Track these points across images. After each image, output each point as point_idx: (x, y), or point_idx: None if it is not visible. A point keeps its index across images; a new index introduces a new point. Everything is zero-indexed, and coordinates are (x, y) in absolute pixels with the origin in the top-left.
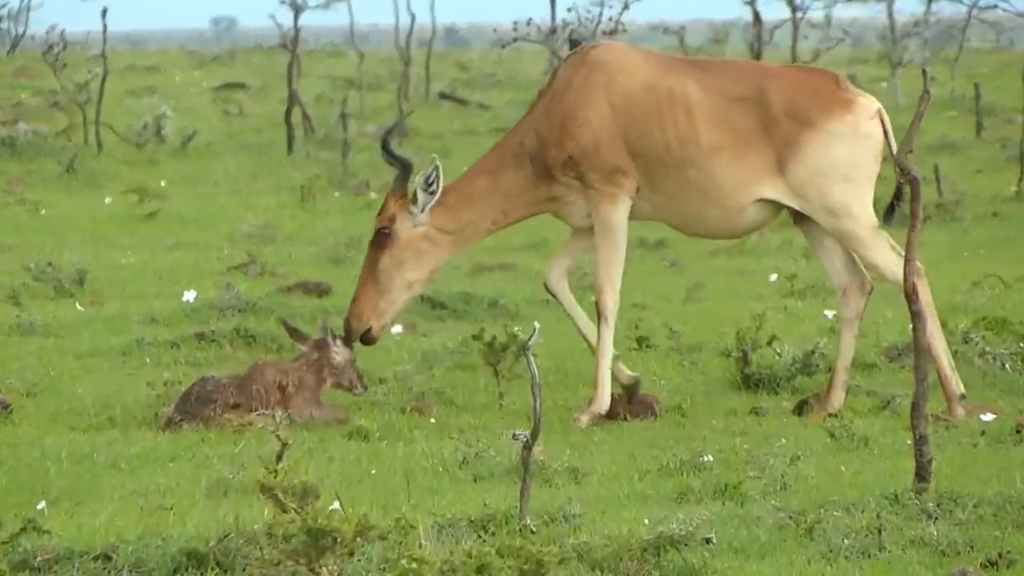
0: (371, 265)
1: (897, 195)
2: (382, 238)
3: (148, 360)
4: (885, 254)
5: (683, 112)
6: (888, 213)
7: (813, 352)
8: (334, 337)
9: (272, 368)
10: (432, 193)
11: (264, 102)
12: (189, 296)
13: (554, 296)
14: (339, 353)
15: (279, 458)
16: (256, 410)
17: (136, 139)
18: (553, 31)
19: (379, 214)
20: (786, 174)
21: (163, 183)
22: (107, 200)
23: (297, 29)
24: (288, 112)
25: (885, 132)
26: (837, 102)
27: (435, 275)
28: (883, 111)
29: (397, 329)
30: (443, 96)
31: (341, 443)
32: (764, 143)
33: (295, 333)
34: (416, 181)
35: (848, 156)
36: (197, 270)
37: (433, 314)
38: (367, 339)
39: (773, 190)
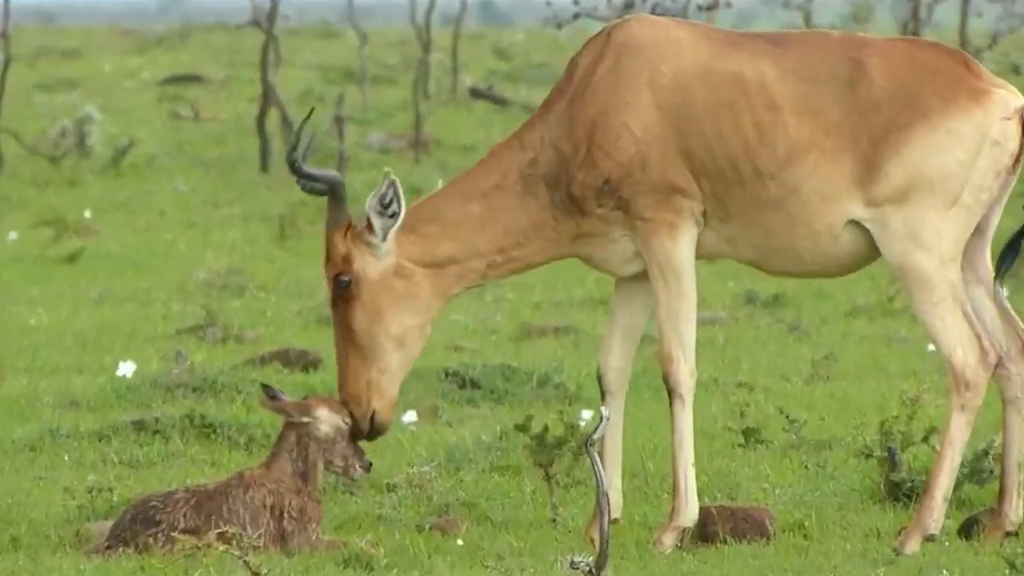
0: (344, 330)
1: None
2: (343, 290)
3: (67, 458)
4: (953, 317)
5: (762, 104)
6: (1005, 257)
7: (987, 452)
8: (287, 408)
9: (262, 482)
10: (392, 216)
11: (228, 101)
12: (125, 370)
13: (604, 393)
14: (324, 422)
15: None
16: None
17: (51, 151)
18: (630, 5)
19: (326, 260)
20: (874, 180)
21: (88, 213)
22: (11, 236)
23: (274, 2)
24: (262, 115)
25: None
26: (964, 91)
27: (430, 323)
28: None
29: (411, 416)
30: (476, 94)
31: (334, 573)
32: (859, 138)
33: (276, 402)
34: (367, 203)
35: (963, 164)
36: (135, 334)
37: (462, 395)
38: (376, 429)
39: (864, 207)
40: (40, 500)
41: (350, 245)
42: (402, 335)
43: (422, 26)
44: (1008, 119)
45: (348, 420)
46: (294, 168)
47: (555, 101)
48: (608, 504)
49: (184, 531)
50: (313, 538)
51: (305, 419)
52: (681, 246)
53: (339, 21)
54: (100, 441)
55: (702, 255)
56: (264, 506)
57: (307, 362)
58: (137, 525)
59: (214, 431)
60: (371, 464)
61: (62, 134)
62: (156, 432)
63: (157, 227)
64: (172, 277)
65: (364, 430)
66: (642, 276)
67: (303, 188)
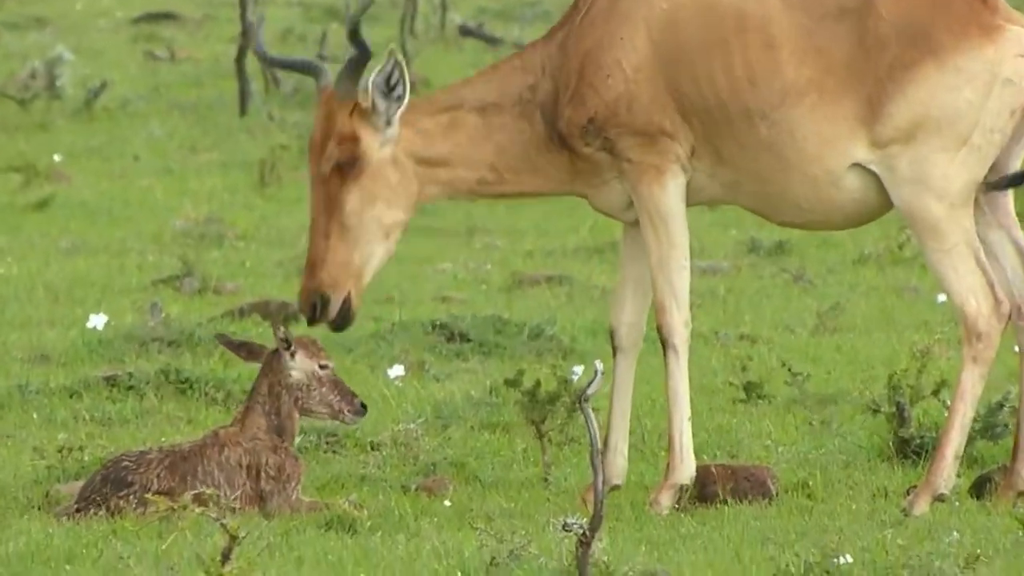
0: (333, 208)
1: None
2: (343, 168)
3: (36, 416)
4: (965, 266)
5: (759, 42)
6: (1015, 179)
7: (1001, 406)
8: (288, 344)
9: (237, 440)
10: (398, 99)
11: (206, 42)
12: (97, 322)
13: (616, 351)
14: (296, 368)
15: (225, 558)
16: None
17: (20, 94)
18: None
19: (323, 127)
20: (879, 120)
21: (57, 157)
22: None
23: None
24: (241, 55)
25: None
26: (976, 26)
27: (406, 221)
28: None
29: (397, 371)
30: (465, 32)
31: (316, 536)
32: (863, 77)
33: (242, 348)
34: (371, 80)
35: (974, 105)
36: (108, 285)
37: (450, 348)
38: (344, 316)
39: (868, 149)
40: (8, 460)
41: (356, 123)
42: (389, 226)
43: None
44: (1019, 55)
45: (325, 364)
46: (353, 28)
47: (558, 29)
48: (602, 463)
49: (158, 493)
50: (293, 498)
51: (260, 360)
52: (669, 191)
53: None
54: (71, 398)
55: (704, 201)
56: (240, 466)
57: (288, 314)
58: (108, 487)
59: (190, 387)
60: (364, 406)
61: (32, 75)
62: (130, 388)
63: (131, 173)
64: (147, 226)
65: (332, 314)
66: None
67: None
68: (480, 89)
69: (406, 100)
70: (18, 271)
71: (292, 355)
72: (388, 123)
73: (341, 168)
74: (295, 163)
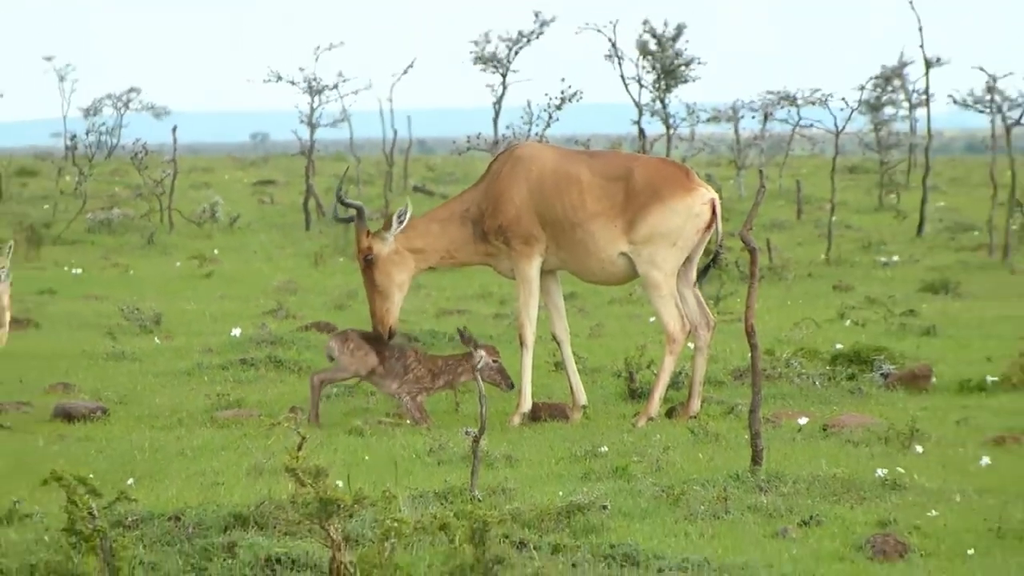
0: (370, 284)
1: (713, 258)
2: (370, 261)
3: (205, 379)
4: (668, 304)
5: (576, 189)
6: (702, 272)
7: (680, 373)
8: (476, 346)
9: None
10: (401, 222)
11: (288, 193)
12: (235, 332)
13: (560, 344)
14: (481, 358)
15: (299, 448)
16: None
17: (197, 220)
18: (496, 142)
19: (357, 248)
20: (633, 232)
21: (216, 251)
22: (176, 264)
23: (312, 141)
24: (305, 200)
25: (713, 215)
26: (683, 187)
27: (413, 279)
28: (716, 201)
29: None
30: (416, 189)
31: (344, 438)
32: (627, 210)
33: (468, 341)
34: (395, 212)
35: (680, 226)
36: (240, 314)
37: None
38: (391, 334)
39: (627, 246)
40: (192, 400)
41: (372, 240)
42: (401, 282)
43: (388, 154)
44: (704, 204)
45: (496, 359)
46: (341, 201)
47: (481, 181)
48: (485, 403)
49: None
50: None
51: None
52: (533, 265)
53: (346, 151)
54: (222, 370)
55: (547, 269)
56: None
57: (329, 329)
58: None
59: (281, 364)
60: (513, 384)
61: (203, 211)
62: (251, 365)
63: (251, 260)
64: (259, 286)
65: (386, 334)
66: (548, 278)
67: (342, 210)
68: (441, 212)
69: (406, 222)
70: (194, 307)
71: (477, 349)
72: (393, 234)
73: (369, 263)
74: (332, 254)
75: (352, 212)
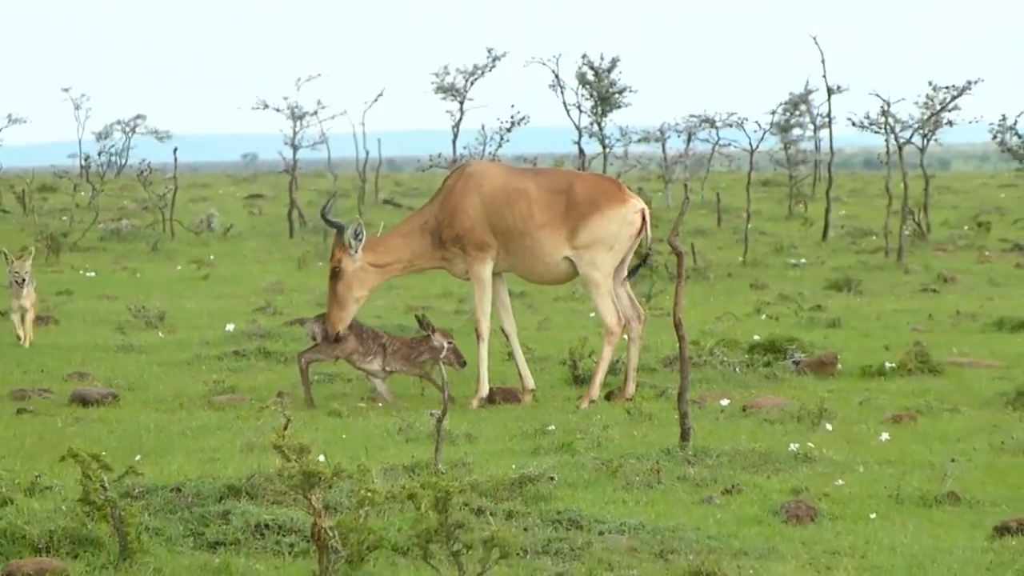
0: (332, 292)
1: (643, 260)
2: (336, 273)
3: (203, 368)
4: (606, 301)
5: (525, 202)
6: (632, 272)
7: (617, 361)
8: (433, 330)
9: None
10: (359, 239)
11: (275, 206)
12: (229, 327)
13: (507, 337)
14: (436, 340)
15: (285, 428)
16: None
17: (195, 229)
18: (455, 160)
19: (331, 259)
20: (575, 238)
21: (212, 257)
22: (178, 268)
23: (295, 161)
24: (290, 212)
25: (644, 223)
26: (617, 198)
27: (370, 293)
28: (646, 211)
29: None
30: (386, 202)
31: (324, 419)
32: (568, 219)
33: (427, 326)
34: (347, 234)
35: (615, 232)
36: (234, 311)
37: (375, 328)
38: (337, 337)
39: (570, 250)
40: (191, 387)
41: (342, 254)
42: (359, 297)
43: (361, 171)
44: (636, 213)
45: (450, 341)
46: (323, 216)
47: (437, 196)
48: (446, 388)
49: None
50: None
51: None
52: (486, 268)
53: (324, 168)
54: (218, 360)
55: (497, 271)
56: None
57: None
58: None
59: (270, 355)
60: (466, 362)
61: (200, 222)
62: (243, 356)
63: (243, 263)
64: (250, 286)
65: (333, 336)
66: (496, 279)
67: (324, 224)
68: (403, 227)
69: (363, 241)
70: (194, 305)
71: (434, 333)
72: (356, 252)
73: (336, 272)
74: (313, 259)
75: (340, 223)
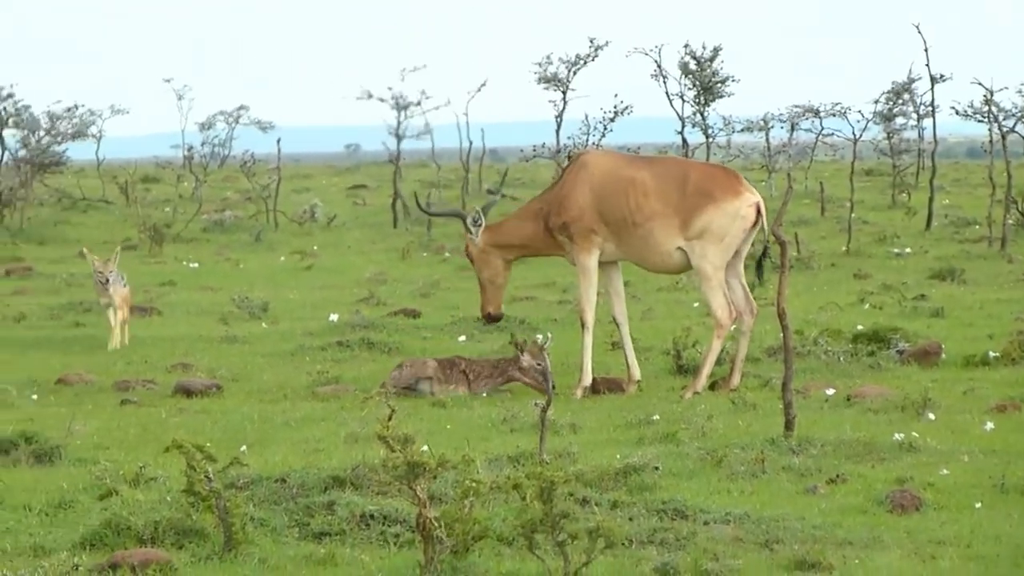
0: (480, 274)
1: (764, 253)
2: (469, 259)
3: (307, 359)
4: (717, 294)
5: (640, 192)
6: (758, 267)
7: (722, 351)
8: (521, 349)
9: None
10: (477, 225)
11: (378, 197)
12: (333, 318)
13: (618, 326)
14: (525, 360)
15: (389, 418)
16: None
17: (299, 220)
18: (558, 151)
19: (465, 245)
20: (688, 229)
21: (315, 247)
22: (281, 258)
23: (399, 151)
24: (393, 202)
25: (759, 217)
26: (732, 190)
27: (505, 273)
28: (762, 205)
29: (462, 338)
30: (490, 192)
31: (428, 409)
32: (681, 209)
33: (518, 344)
34: (468, 221)
35: (727, 226)
36: (337, 302)
37: (486, 328)
38: (496, 319)
39: (683, 241)
40: (295, 377)
41: (467, 242)
42: (493, 277)
43: (465, 162)
44: (751, 207)
45: (540, 362)
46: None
47: (553, 185)
48: (551, 378)
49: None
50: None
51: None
52: (591, 257)
53: (428, 159)
54: (321, 351)
55: (608, 259)
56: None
57: (415, 315)
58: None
59: (373, 345)
60: (555, 386)
61: (304, 212)
62: (347, 347)
63: (347, 253)
64: (354, 276)
65: (495, 322)
66: (610, 267)
67: (449, 214)
68: (521, 212)
69: (483, 227)
70: (297, 296)
71: (522, 352)
72: (476, 236)
73: (471, 258)
74: (416, 249)
75: (451, 211)
